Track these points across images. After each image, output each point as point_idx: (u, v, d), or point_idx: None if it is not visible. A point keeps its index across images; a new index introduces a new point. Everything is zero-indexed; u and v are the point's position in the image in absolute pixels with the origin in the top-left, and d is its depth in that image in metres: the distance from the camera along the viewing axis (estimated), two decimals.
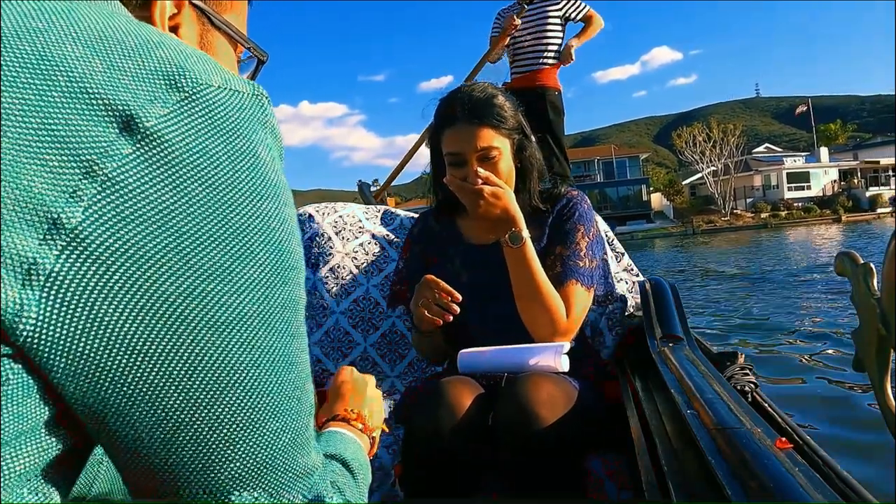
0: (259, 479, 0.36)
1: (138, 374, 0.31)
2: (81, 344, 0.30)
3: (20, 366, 0.30)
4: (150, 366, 0.31)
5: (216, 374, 0.33)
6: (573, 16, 3.54)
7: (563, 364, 1.10)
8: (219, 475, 0.34)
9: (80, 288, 0.30)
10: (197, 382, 0.33)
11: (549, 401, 0.98)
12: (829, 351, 4.14)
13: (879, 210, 42.55)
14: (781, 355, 4.18)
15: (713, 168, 47.17)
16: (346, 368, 0.79)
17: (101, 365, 0.31)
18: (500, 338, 1.20)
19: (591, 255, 1.23)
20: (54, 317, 0.29)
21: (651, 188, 50.21)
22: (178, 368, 0.32)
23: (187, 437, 0.33)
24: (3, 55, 0.29)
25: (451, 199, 1.32)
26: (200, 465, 0.34)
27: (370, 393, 0.74)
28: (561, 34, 3.58)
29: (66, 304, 0.29)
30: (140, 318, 0.31)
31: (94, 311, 0.30)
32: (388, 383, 1.50)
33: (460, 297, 1.15)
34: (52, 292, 0.29)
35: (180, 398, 0.32)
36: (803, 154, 57.95)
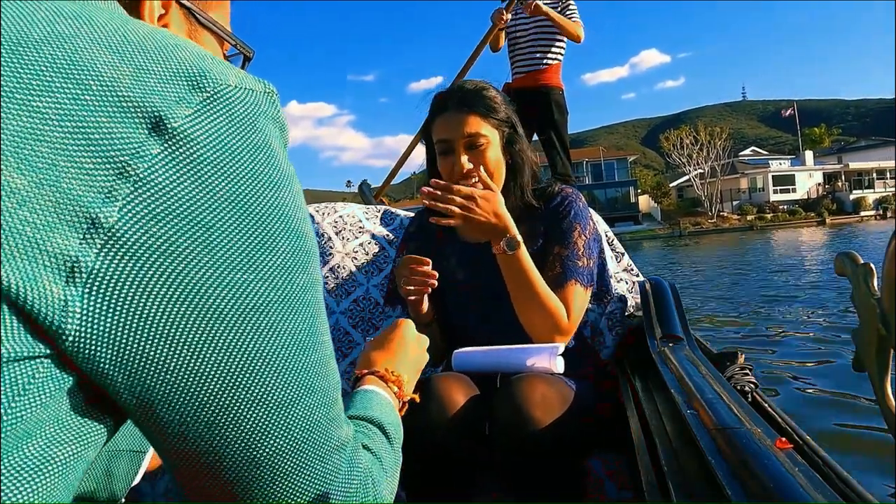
0: (297, 455, 0.38)
1: (178, 363, 0.33)
2: (125, 336, 0.31)
3: (55, 366, 0.31)
4: (189, 354, 0.33)
5: (250, 358, 0.35)
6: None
7: (559, 365, 1.10)
8: (260, 453, 0.36)
9: (120, 283, 0.31)
10: (233, 367, 0.34)
11: (543, 402, 0.98)
12: (829, 350, 4.15)
13: (863, 213, 43.08)
14: (779, 354, 4.19)
15: (700, 171, 47.54)
16: (406, 323, 0.79)
17: (144, 355, 0.32)
18: (497, 337, 1.20)
19: (588, 254, 1.24)
20: (98, 312, 0.31)
21: (639, 190, 50.38)
22: (214, 355, 0.34)
23: (229, 419, 0.35)
24: (39, 61, 0.30)
25: None
26: (243, 445, 0.36)
27: (415, 356, 0.75)
28: (560, 33, 3.56)
29: (107, 299, 0.31)
30: (175, 309, 0.32)
31: (133, 305, 0.31)
32: None
33: (430, 264, 1.16)
34: (94, 288, 0.30)
35: (219, 382, 0.34)
36: (788, 157, 58.54)
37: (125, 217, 0.31)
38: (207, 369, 0.34)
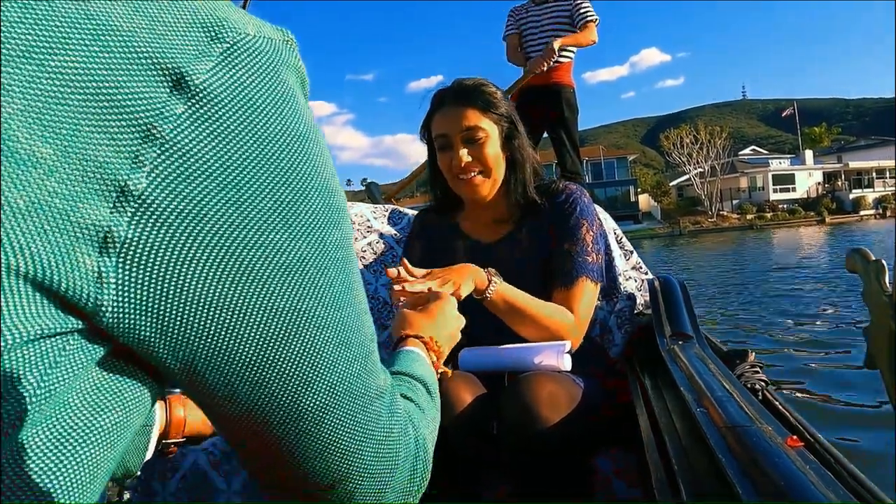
0: (340, 405, 0.38)
1: (220, 325, 0.33)
2: (164, 303, 0.31)
3: (85, 338, 0.31)
4: (229, 315, 0.33)
5: (290, 316, 0.35)
6: (576, 20, 3.51)
7: (566, 363, 1.10)
8: (306, 407, 0.37)
9: (154, 251, 0.30)
10: (274, 325, 0.34)
11: (551, 400, 0.98)
12: (840, 348, 4.13)
13: (862, 212, 43.06)
14: (790, 353, 4.18)
15: (700, 170, 47.50)
16: (449, 297, 0.80)
17: (185, 321, 0.32)
18: (504, 336, 1.20)
19: (596, 250, 1.24)
20: (134, 281, 0.30)
21: (639, 189, 50.37)
22: (254, 315, 0.33)
23: (273, 376, 0.35)
24: (54, 14, 0.28)
25: (450, 196, 1.33)
26: (289, 400, 0.36)
27: (451, 332, 0.76)
28: (571, 31, 3.55)
29: (142, 267, 0.30)
30: (212, 272, 0.32)
31: (169, 271, 0.31)
32: None
33: (412, 269, 1.08)
34: (129, 258, 0.30)
35: (261, 341, 0.34)
36: (788, 156, 58.50)
37: (153, 183, 0.30)
38: (248, 329, 0.33)
